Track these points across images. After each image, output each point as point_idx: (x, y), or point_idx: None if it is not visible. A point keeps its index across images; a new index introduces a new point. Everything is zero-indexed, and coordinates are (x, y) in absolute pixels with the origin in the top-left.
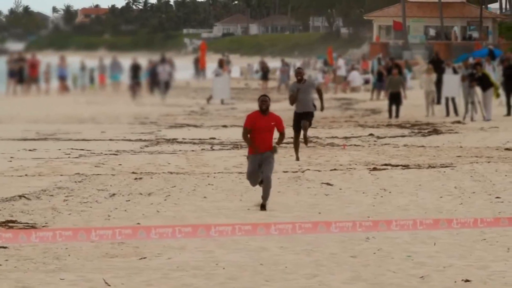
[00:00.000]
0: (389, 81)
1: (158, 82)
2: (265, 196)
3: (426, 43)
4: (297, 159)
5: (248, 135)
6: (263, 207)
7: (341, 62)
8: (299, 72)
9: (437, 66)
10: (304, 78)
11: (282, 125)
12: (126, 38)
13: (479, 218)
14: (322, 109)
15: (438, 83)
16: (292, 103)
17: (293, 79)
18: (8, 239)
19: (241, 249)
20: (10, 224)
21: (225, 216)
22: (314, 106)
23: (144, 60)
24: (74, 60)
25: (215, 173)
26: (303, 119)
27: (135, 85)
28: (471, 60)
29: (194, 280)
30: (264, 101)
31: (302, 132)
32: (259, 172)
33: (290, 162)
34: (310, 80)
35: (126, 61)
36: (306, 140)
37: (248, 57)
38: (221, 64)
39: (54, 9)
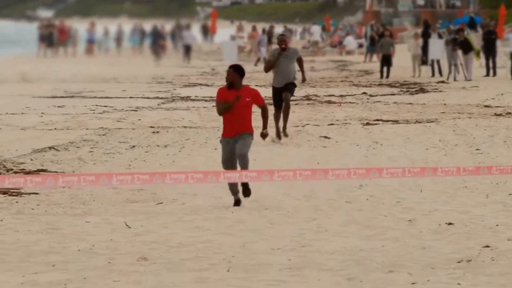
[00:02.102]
0: (381, 44)
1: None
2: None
3: (413, 11)
4: (278, 135)
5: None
6: (237, 203)
7: (314, 28)
8: (282, 40)
9: (426, 31)
10: (289, 47)
11: (261, 98)
12: (144, 7)
13: (461, 167)
14: (303, 80)
15: (425, 47)
16: (267, 69)
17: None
18: (37, 183)
19: (262, 197)
20: (41, 173)
21: None
22: (295, 78)
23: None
24: (98, 26)
25: None
26: (284, 91)
27: (158, 48)
28: (452, 27)
29: (205, 223)
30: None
31: (282, 120)
32: (235, 158)
33: (292, 117)
34: (294, 49)
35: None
36: (285, 128)
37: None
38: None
39: None
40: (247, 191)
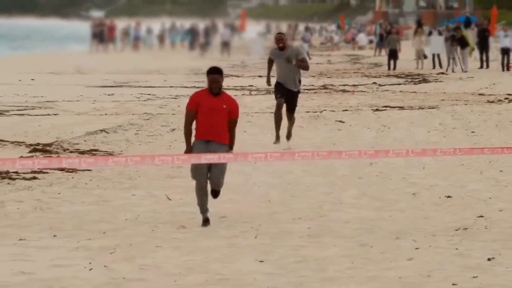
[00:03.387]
0: (388, 40)
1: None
2: (217, 187)
3: (417, 12)
4: (277, 138)
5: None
6: (206, 221)
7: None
8: (279, 39)
9: (420, 27)
10: (288, 45)
11: (236, 112)
12: (182, 7)
13: (458, 148)
14: (288, 59)
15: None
16: (267, 71)
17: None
18: (90, 163)
19: (272, 172)
20: (93, 152)
21: (259, 145)
22: (300, 82)
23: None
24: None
25: (252, 113)
26: (287, 110)
27: (204, 44)
28: (451, 25)
29: (235, 196)
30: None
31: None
32: (205, 169)
33: (310, 103)
34: (295, 48)
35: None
36: (290, 133)
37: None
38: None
39: None
40: (216, 194)
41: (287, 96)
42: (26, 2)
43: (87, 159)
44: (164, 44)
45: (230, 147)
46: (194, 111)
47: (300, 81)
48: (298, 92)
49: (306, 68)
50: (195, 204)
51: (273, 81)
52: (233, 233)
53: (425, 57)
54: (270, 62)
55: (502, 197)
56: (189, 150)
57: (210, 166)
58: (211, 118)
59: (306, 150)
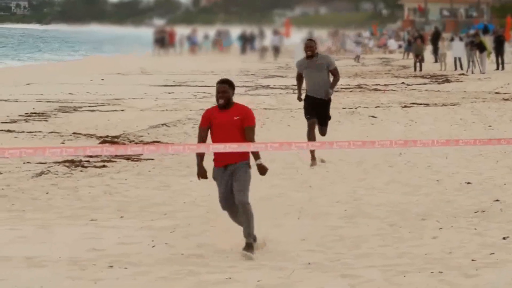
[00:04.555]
0: (414, 47)
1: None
2: (248, 231)
3: (440, 20)
4: (313, 158)
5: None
6: (248, 247)
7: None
8: (309, 46)
9: (437, 36)
10: (316, 53)
11: (250, 118)
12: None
13: (477, 139)
14: (326, 93)
15: (435, 48)
16: (299, 85)
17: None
18: (152, 150)
19: (310, 161)
20: (156, 144)
21: (302, 137)
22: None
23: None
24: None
25: (295, 109)
26: (320, 125)
27: (263, 49)
28: (470, 32)
29: (280, 181)
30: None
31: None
32: (231, 195)
33: (347, 101)
34: (325, 57)
35: (235, 32)
36: (313, 156)
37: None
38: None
39: None
40: (247, 248)
41: (318, 109)
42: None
43: (149, 146)
44: (218, 48)
45: (255, 156)
46: (206, 128)
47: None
48: (330, 100)
49: (338, 81)
50: None
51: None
52: (278, 214)
53: (423, 60)
54: (300, 78)
55: None
56: (202, 171)
57: (231, 184)
58: (224, 135)
59: (343, 140)
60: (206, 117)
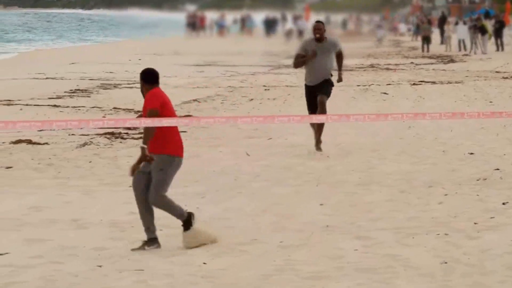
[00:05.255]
0: (422, 28)
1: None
2: (175, 214)
3: (446, 5)
4: (318, 146)
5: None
6: (186, 224)
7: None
8: (317, 28)
9: (443, 20)
10: (325, 36)
11: (145, 104)
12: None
13: (481, 112)
14: (339, 78)
15: (442, 31)
16: (297, 65)
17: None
18: (186, 122)
19: (329, 133)
20: (188, 117)
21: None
22: (331, 74)
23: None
24: (229, 16)
25: None
26: (318, 92)
27: (289, 32)
28: (473, 16)
29: (300, 152)
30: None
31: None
32: (141, 182)
33: (361, 79)
34: (333, 40)
35: (258, 16)
36: (319, 141)
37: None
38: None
39: None
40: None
41: (320, 86)
42: None
43: (183, 119)
44: (244, 31)
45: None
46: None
47: (331, 74)
48: (331, 80)
49: (341, 59)
50: (268, 159)
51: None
52: (299, 182)
53: (430, 42)
54: (301, 56)
55: None
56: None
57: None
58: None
59: (359, 113)
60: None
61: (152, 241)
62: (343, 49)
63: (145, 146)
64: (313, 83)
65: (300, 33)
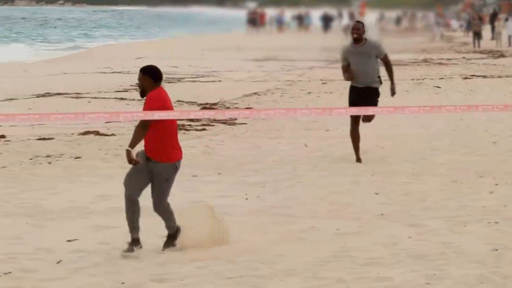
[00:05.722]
0: (472, 24)
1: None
2: (168, 223)
3: (497, 2)
4: (358, 159)
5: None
6: (171, 238)
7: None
8: (355, 28)
9: (494, 16)
10: (364, 38)
11: (146, 105)
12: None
13: None
14: (392, 92)
15: (492, 27)
16: (347, 79)
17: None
18: (247, 114)
19: (383, 126)
20: (249, 109)
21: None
22: (379, 78)
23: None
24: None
25: None
26: (364, 100)
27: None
28: None
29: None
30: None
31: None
32: (139, 182)
33: (414, 73)
34: (374, 43)
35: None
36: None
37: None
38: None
39: None
40: (170, 239)
41: (365, 98)
42: None
43: (244, 111)
44: (302, 27)
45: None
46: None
47: (379, 78)
48: (378, 90)
49: (390, 68)
50: (325, 150)
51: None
52: (355, 172)
53: (481, 37)
54: (347, 67)
55: None
56: (129, 155)
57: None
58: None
59: (413, 105)
60: (163, 98)
61: (136, 241)
62: (388, 54)
63: (131, 149)
64: (359, 84)
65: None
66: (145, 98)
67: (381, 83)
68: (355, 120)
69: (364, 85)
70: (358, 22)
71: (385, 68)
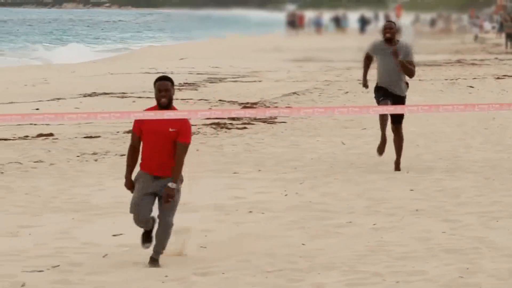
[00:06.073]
0: (505, 26)
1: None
2: (158, 248)
3: None
4: (383, 142)
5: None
6: (153, 261)
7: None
8: (388, 28)
9: None
10: (397, 39)
11: (188, 134)
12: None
13: None
14: (396, 55)
15: None
16: (364, 68)
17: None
18: (287, 113)
19: (418, 123)
20: (289, 108)
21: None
22: (407, 84)
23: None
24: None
25: None
26: (393, 123)
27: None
28: None
29: (390, 144)
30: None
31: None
32: (149, 206)
33: (449, 73)
34: (404, 45)
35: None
36: (399, 163)
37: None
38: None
39: None
40: (152, 262)
41: (391, 102)
42: None
43: (284, 110)
44: (339, 29)
45: (174, 178)
46: (137, 137)
47: (407, 84)
48: (405, 98)
49: (410, 72)
50: (361, 147)
51: (372, 84)
52: (390, 169)
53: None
54: (368, 60)
55: None
56: (129, 183)
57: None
58: (158, 146)
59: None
60: (140, 120)
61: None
62: (414, 61)
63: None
64: (384, 85)
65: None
66: (170, 110)
67: (407, 87)
68: (383, 118)
69: (390, 90)
70: (390, 21)
71: (404, 69)
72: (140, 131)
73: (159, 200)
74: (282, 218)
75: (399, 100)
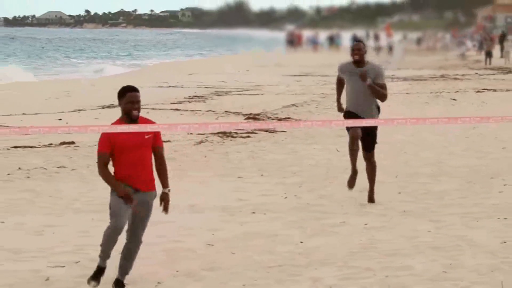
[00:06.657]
0: (485, 44)
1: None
2: (128, 269)
3: (505, 25)
4: (353, 174)
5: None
6: (119, 284)
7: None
8: (356, 49)
9: (503, 37)
10: (366, 60)
11: (161, 138)
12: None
13: None
14: (363, 78)
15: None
16: (337, 106)
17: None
18: (286, 126)
19: (407, 133)
20: (288, 119)
21: (413, 115)
22: (378, 108)
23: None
24: (322, 34)
25: (404, 92)
26: (364, 149)
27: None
28: None
29: (382, 147)
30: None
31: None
32: (127, 215)
33: (433, 87)
34: (373, 67)
35: (346, 34)
36: (372, 193)
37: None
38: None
39: (312, 7)
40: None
41: (363, 128)
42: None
43: (284, 123)
44: (333, 47)
45: (163, 184)
46: (108, 154)
47: (378, 108)
48: (375, 127)
49: (381, 96)
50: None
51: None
52: (380, 174)
53: (491, 56)
54: (340, 83)
55: None
56: (121, 190)
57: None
58: (138, 159)
59: (433, 117)
60: (108, 135)
61: (103, 271)
62: (386, 84)
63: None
64: (352, 109)
65: (390, 48)
66: (138, 121)
67: (379, 111)
68: (352, 139)
69: (360, 115)
70: (359, 41)
71: (375, 93)
72: (112, 147)
73: (131, 215)
74: (283, 218)
75: (370, 127)
